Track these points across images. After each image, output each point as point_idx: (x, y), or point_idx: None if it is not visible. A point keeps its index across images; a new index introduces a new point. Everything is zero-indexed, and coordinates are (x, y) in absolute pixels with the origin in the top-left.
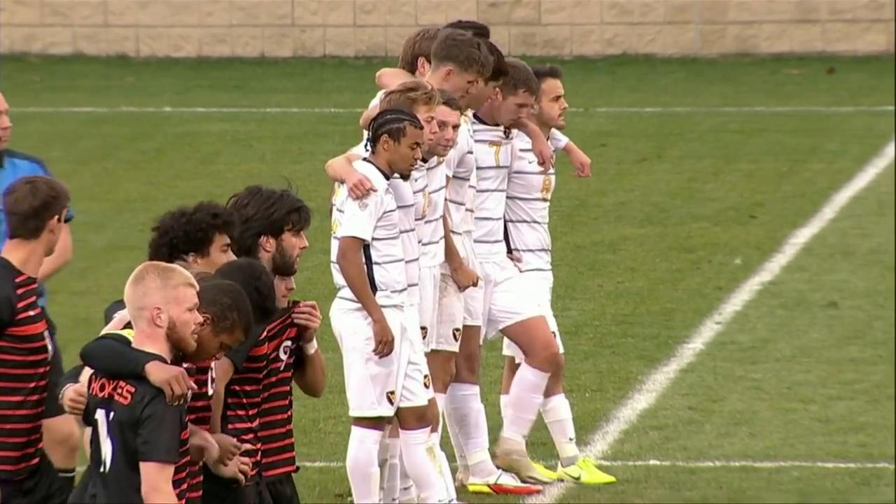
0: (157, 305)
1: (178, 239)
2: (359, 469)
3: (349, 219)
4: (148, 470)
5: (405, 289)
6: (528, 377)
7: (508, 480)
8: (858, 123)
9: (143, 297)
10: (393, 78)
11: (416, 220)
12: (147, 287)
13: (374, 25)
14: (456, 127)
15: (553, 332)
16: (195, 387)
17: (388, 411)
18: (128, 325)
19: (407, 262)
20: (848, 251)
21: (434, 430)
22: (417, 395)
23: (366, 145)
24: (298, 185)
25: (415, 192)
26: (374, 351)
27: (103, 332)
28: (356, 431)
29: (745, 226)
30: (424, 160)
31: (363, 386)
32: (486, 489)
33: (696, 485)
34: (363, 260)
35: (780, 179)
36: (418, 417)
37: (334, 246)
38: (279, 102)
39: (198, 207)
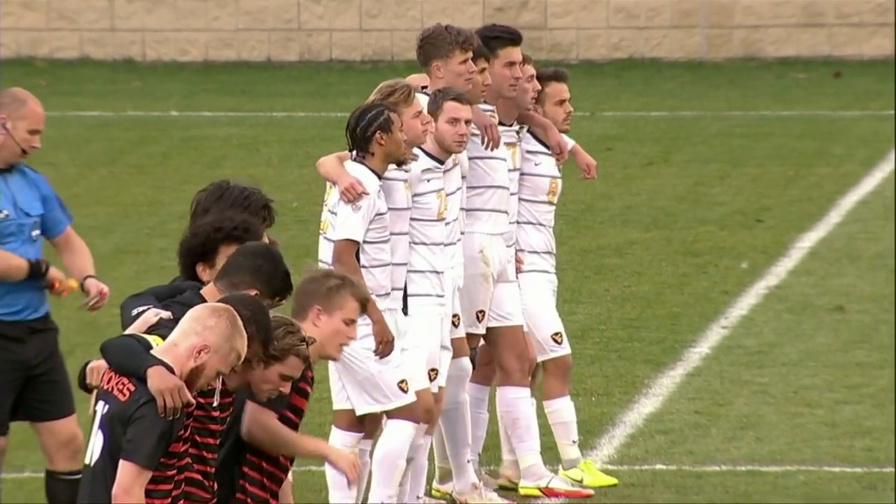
0: (208, 345)
1: (183, 253)
2: (388, 459)
3: (343, 222)
4: (125, 469)
5: (389, 293)
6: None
7: (560, 484)
8: (865, 127)
9: (206, 328)
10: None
11: (434, 221)
12: (218, 325)
13: (381, 30)
14: (468, 122)
15: (559, 333)
16: (193, 401)
17: (409, 398)
18: (150, 330)
19: (397, 265)
20: (854, 255)
21: (427, 421)
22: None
23: (352, 152)
24: (304, 190)
25: (428, 193)
26: (375, 351)
27: (128, 331)
28: (393, 424)
29: (752, 230)
30: (441, 161)
31: (375, 382)
32: (538, 492)
33: (702, 489)
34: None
35: (786, 183)
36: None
37: (323, 245)
38: (285, 106)
39: (206, 222)
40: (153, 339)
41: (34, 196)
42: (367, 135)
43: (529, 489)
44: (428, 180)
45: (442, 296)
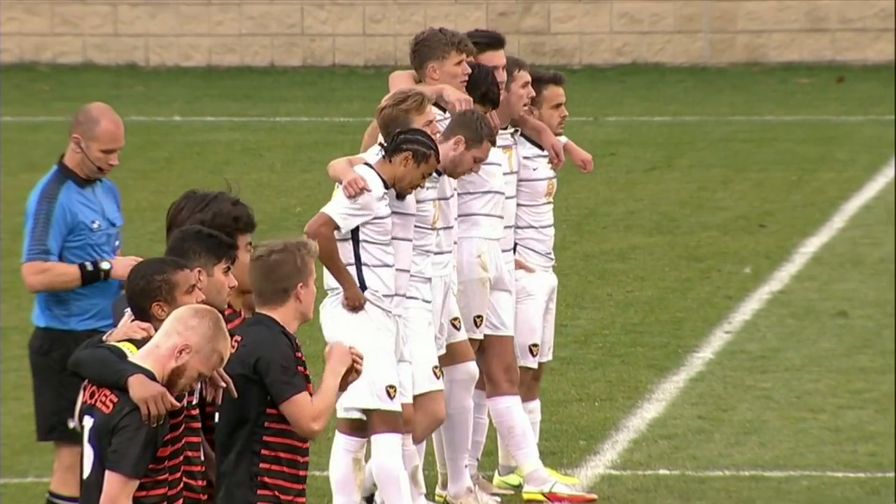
0: (190, 345)
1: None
2: (385, 473)
3: (334, 200)
4: (111, 480)
5: (392, 295)
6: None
7: (563, 489)
8: (868, 132)
9: (188, 328)
10: (400, 80)
11: (428, 229)
12: (200, 326)
13: (384, 35)
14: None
15: (536, 346)
16: (177, 405)
17: (394, 406)
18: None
19: (399, 270)
20: (857, 260)
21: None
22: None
23: (379, 151)
24: (308, 195)
25: (426, 201)
26: (344, 305)
27: (111, 332)
28: (377, 438)
29: (755, 235)
30: (439, 172)
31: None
32: (541, 497)
33: (705, 494)
34: (335, 237)
35: (789, 188)
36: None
37: None
38: (289, 111)
39: (216, 213)
40: (126, 347)
41: (115, 206)
42: (401, 146)
43: (533, 494)
44: (428, 188)
45: (429, 301)
